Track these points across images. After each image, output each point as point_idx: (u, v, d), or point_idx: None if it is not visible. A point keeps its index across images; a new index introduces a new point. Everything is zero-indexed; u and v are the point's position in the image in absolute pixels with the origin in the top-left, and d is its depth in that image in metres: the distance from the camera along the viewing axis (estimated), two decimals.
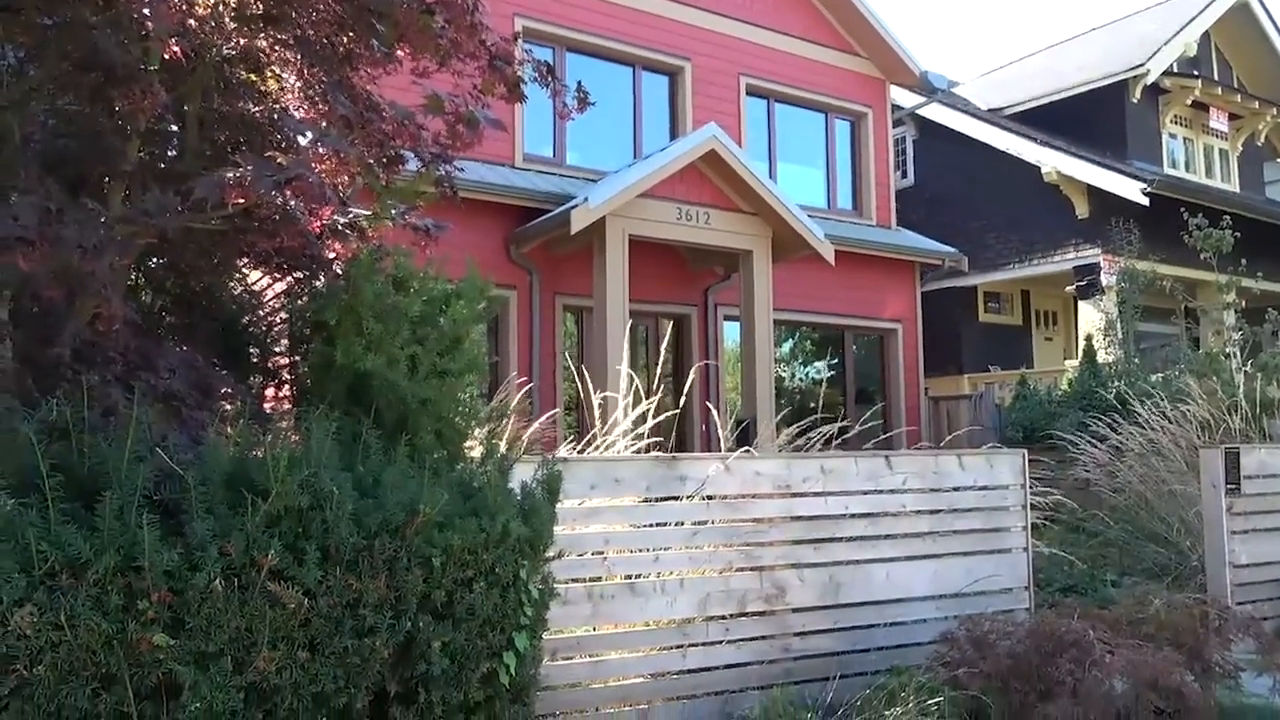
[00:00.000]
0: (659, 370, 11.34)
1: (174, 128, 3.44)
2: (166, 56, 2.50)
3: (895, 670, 4.92)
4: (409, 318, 3.49)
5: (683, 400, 7.22)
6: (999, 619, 5.11)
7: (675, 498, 5.08)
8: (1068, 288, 15.92)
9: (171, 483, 2.40)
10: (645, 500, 4.99)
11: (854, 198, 14.49)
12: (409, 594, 2.57)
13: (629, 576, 4.91)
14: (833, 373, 14.01)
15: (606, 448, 5.99)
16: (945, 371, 16.29)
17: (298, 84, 3.48)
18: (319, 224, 2.75)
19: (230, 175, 2.49)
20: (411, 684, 2.64)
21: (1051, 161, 15.49)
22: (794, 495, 5.41)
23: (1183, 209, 12.02)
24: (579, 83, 3.80)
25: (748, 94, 13.41)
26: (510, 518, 2.79)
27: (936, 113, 17.15)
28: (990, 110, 17.77)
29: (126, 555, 2.23)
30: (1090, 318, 14.57)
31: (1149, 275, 12.65)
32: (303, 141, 3.08)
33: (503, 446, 4.21)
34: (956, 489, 5.95)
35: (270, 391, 4.32)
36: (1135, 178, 14.34)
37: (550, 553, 3.13)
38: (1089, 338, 13.14)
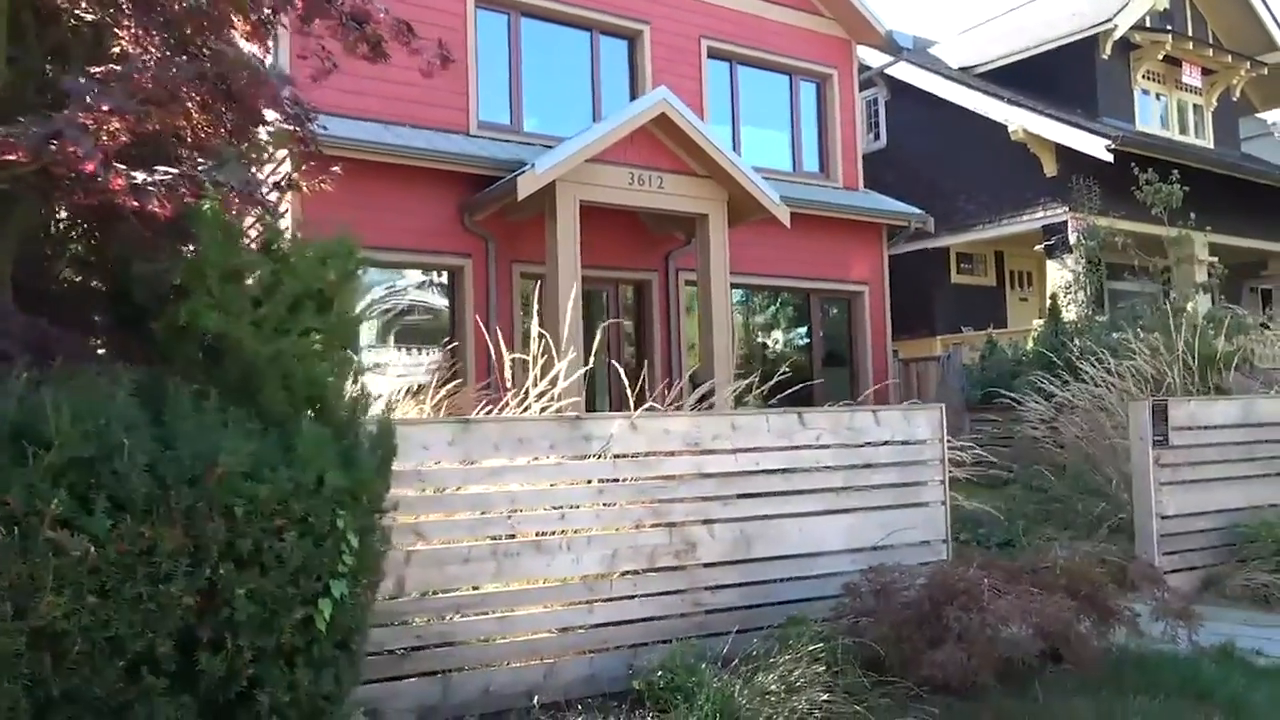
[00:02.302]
0: (619, 335, 11.35)
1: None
2: None
3: (793, 620, 4.97)
4: (260, 279, 3.52)
5: (602, 359, 7.24)
6: (902, 570, 5.15)
7: (584, 456, 5.14)
8: (1037, 246, 15.85)
9: None
10: (553, 460, 5.05)
11: (820, 160, 14.39)
12: (210, 542, 2.63)
13: (537, 534, 4.98)
14: (802, 338, 14.02)
15: (525, 409, 6.03)
16: (918, 334, 16.26)
17: (145, 46, 3.50)
18: (120, 181, 2.77)
19: (2, 131, 2.51)
20: (220, 630, 2.70)
21: (1018, 120, 15.37)
22: (703, 452, 5.45)
23: (1133, 164, 11.95)
24: (439, 40, 3.80)
25: (709, 57, 13.29)
26: (327, 468, 2.83)
27: (907, 73, 16.99)
28: (961, 69, 17.60)
29: None
30: (1057, 276, 14.52)
31: (1108, 231, 12.60)
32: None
33: (380, 406, 4.24)
34: (871, 444, 5.98)
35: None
36: (1100, 134, 14.21)
37: (386, 504, 3.18)
38: (1053, 296, 13.12)
